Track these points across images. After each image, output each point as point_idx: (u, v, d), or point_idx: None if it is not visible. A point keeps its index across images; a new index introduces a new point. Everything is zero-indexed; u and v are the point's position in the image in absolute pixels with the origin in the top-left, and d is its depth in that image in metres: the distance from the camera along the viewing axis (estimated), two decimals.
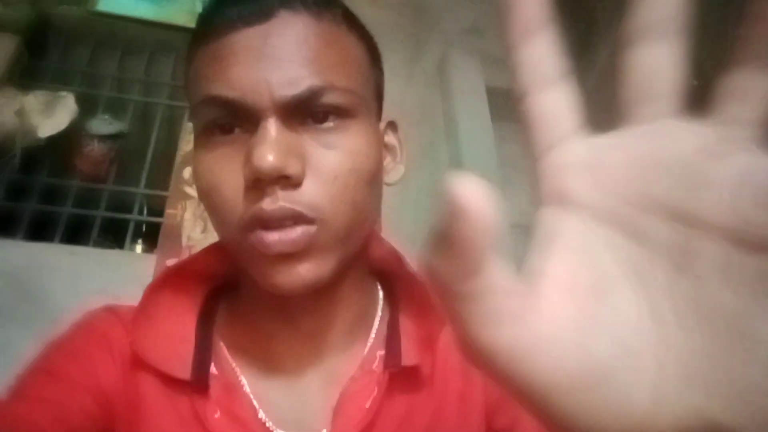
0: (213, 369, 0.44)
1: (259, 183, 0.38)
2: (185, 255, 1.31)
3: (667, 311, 0.18)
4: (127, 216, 1.43)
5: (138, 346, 0.43)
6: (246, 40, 0.40)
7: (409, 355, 0.45)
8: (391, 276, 0.51)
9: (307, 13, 0.41)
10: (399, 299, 0.49)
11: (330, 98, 0.40)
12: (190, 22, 1.66)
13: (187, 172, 1.45)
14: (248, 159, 0.38)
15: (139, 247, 1.50)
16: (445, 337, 0.46)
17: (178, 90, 1.65)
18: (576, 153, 0.21)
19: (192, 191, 1.42)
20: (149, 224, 1.49)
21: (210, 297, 0.49)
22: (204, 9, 0.44)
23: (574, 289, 0.19)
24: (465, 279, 0.17)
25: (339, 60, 0.41)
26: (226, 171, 0.39)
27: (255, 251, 0.39)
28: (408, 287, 0.49)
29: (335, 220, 0.39)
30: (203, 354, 0.44)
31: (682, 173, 0.19)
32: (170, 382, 0.43)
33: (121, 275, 1.24)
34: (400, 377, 0.44)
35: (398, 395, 0.44)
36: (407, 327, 0.47)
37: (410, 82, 1.76)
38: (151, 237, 1.42)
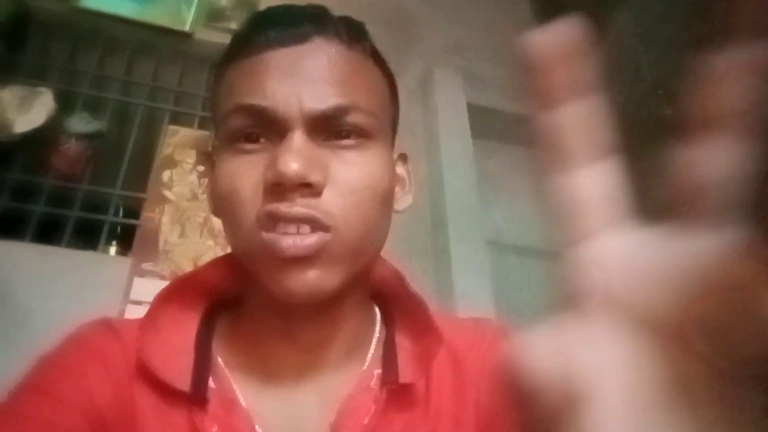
0: (211, 383, 0.45)
1: (280, 188, 0.40)
2: (162, 259, 1.30)
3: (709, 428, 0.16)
4: (102, 217, 1.41)
5: (143, 354, 0.44)
6: (281, 58, 0.43)
7: (406, 374, 0.46)
8: (388, 296, 0.52)
9: (339, 41, 0.45)
10: (395, 319, 0.50)
11: (354, 118, 0.43)
12: (173, 23, 1.65)
13: (167, 176, 1.43)
14: (272, 164, 0.40)
15: (113, 250, 1.48)
16: (441, 358, 0.47)
17: (158, 91, 1.63)
18: (619, 247, 0.18)
19: (171, 195, 1.41)
20: (124, 227, 1.47)
21: (211, 311, 0.50)
22: (241, 28, 0.47)
23: (628, 403, 0.16)
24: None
25: (364, 85, 0.45)
26: (248, 175, 0.42)
27: (267, 252, 0.40)
28: (407, 307, 0.50)
29: (348, 231, 0.41)
30: (202, 367, 0.45)
31: (725, 301, 0.15)
32: (168, 395, 0.43)
33: (94, 278, 1.22)
34: (397, 396, 0.45)
35: (395, 414, 0.45)
36: (404, 346, 0.48)
37: None
38: (126, 240, 1.39)
